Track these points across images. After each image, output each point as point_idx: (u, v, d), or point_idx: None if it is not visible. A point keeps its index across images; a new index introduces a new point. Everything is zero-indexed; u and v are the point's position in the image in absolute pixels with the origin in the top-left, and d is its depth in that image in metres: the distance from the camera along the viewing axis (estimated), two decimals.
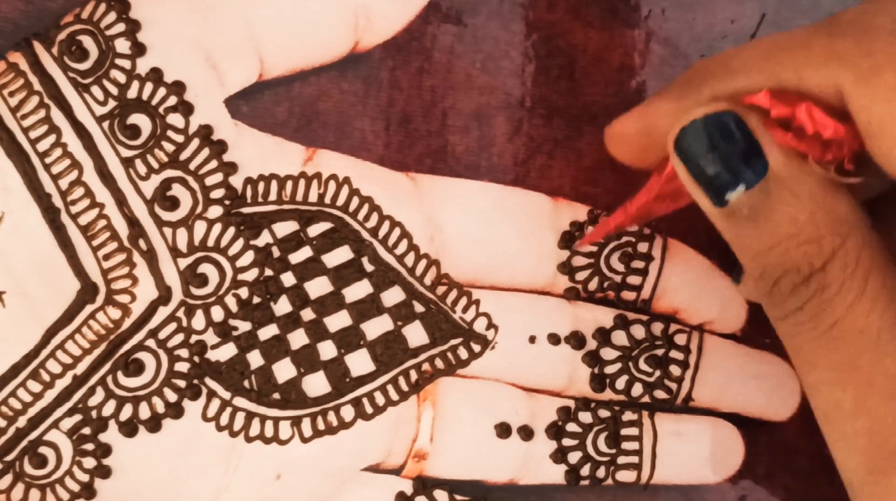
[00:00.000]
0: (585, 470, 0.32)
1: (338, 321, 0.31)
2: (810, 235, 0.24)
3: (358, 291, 0.31)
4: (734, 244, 0.25)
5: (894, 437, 0.23)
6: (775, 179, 0.24)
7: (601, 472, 0.32)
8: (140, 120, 0.30)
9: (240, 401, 0.31)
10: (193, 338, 0.30)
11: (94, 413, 0.30)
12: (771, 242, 0.24)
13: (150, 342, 0.30)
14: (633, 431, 0.32)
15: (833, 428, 0.25)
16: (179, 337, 0.30)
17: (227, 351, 0.31)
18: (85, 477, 0.30)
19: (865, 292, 0.23)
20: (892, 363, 0.23)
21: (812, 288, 0.24)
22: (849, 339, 0.24)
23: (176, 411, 0.30)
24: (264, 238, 0.31)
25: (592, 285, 0.32)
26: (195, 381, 0.30)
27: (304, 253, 0.31)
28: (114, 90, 0.30)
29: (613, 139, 0.29)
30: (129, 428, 0.30)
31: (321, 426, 0.31)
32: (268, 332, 0.31)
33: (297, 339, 0.31)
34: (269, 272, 0.31)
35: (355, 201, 0.31)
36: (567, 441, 0.31)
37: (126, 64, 0.30)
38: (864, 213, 0.24)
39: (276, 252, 0.31)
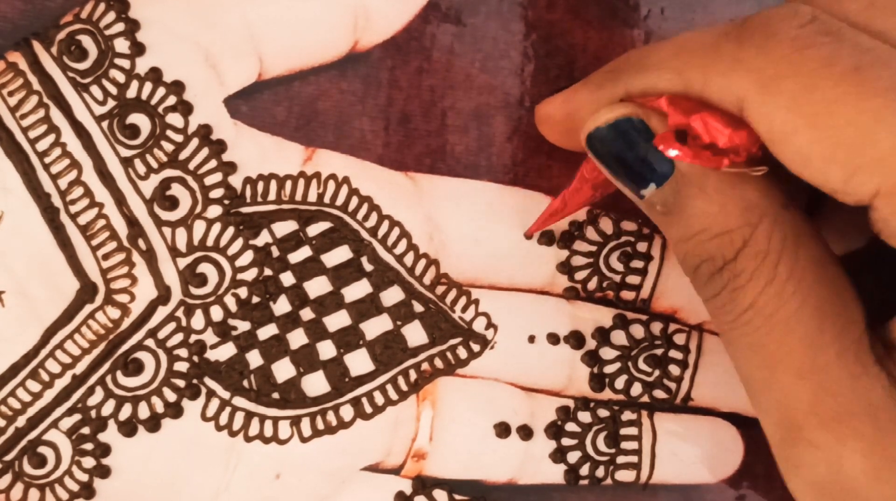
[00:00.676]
0: (585, 470, 0.32)
1: (337, 320, 0.31)
2: (721, 227, 0.25)
3: (357, 290, 0.31)
4: (660, 228, 0.26)
5: (799, 411, 0.24)
6: (682, 177, 0.25)
7: (600, 472, 0.32)
8: (139, 120, 0.30)
9: (239, 401, 0.31)
10: (193, 338, 0.30)
11: (93, 413, 0.30)
12: (686, 234, 0.25)
13: (150, 342, 0.30)
14: (633, 431, 0.32)
15: (753, 401, 0.26)
16: (179, 337, 0.30)
17: (227, 351, 0.31)
18: (84, 477, 0.30)
19: (775, 279, 0.24)
20: (798, 342, 0.24)
21: (725, 277, 0.25)
22: (758, 322, 0.24)
23: (175, 410, 0.30)
24: (263, 238, 0.31)
25: (592, 284, 0.32)
26: (194, 380, 0.30)
27: (304, 253, 0.31)
28: (113, 90, 0.30)
29: (541, 121, 0.30)
30: (128, 428, 0.30)
31: (320, 425, 0.31)
32: (267, 331, 0.31)
33: (297, 339, 0.31)
34: (268, 272, 0.31)
35: (354, 201, 0.31)
36: (566, 441, 0.31)
37: (125, 63, 0.30)
38: (779, 191, 0.25)
39: (275, 252, 0.31)
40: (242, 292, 0.31)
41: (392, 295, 0.31)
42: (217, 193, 0.30)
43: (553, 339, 0.31)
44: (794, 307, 0.24)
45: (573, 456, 0.32)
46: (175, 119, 0.30)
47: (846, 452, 0.24)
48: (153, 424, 0.30)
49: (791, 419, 0.25)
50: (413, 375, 0.31)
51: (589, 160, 0.28)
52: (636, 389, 0.32)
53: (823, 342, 0.24)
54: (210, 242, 0.30)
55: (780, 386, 0.25)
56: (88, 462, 0.30)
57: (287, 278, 0.31)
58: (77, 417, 0.30)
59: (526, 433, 0.31)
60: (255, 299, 0.31)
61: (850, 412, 0.24)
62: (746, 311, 0.25)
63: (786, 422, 0.25)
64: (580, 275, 0.32)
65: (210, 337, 0.31)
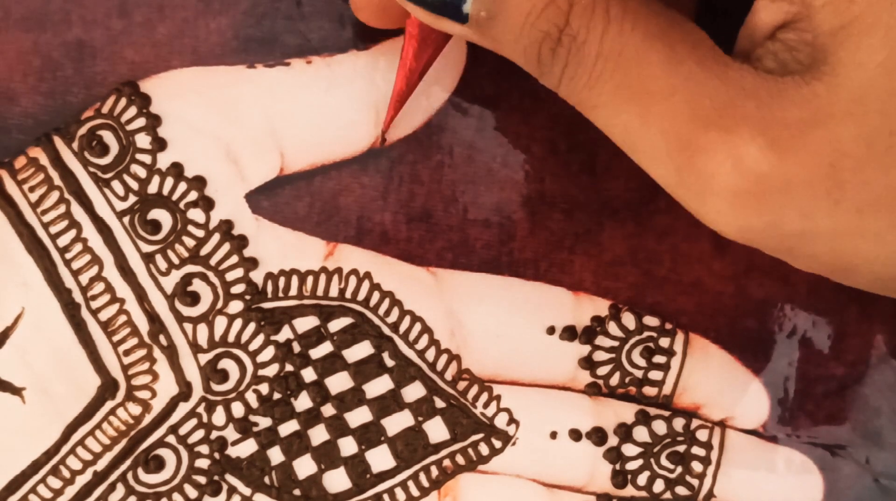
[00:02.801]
0: None
1: (358, 416, 0.31)
2: (544, 0, 0.24)
3: (378, 386, 0.31)
4: (499, 50, 0.26)
5: (681, 127, 0.24)
6: None
7: None
8: (160, 215, 0.30)
9: (260, 498, 0.30)
10: (214, 434, 0.30)
11: None
12: (518, 25, 0.25)
13: (171, 438, 0.30)
14: None
15: (637, 152, 0.25)
16: (200, 433, 0.30)
17: (248, 447, 0.31)
18: None
19: (611, 21, 0.24)
20: (656, 66, 0.24)
21: (566, 44, 0.25)
22: (612, 65, 0.24)
23: None
24: (285, 333, 0.31)
25: (614, 380, 0.32)
26: (216, 477, 0.30)
27: (325, 348, 0.31)
28: (134, 185, 0.30)
29: (358, 8, 0.29)
30: None
31: None
32: (288, 428, 0.31)
33: (318, 435, 0.31)
34: (289, 368, 0.31)
35: (376, 296, 0.31)
36: None
37: (147, 159, 0.30)
38: None
39: (296, 347, 0.31)
40: (264, 388, 0.30)
41: (413, 391, 0.31)
42: (238, 288, 0.30)
43: (575, 435, 0.31)
44: (640, 39, 0.24)
45: None
46: (196, 214, 0.30)
47: (739, 139, 0.23)
48: None
49: (678, 140, 0.24)
50: (434, 471, 0.31)
51: (410, 18, 0.28)
52: (658, 486, 0.32)
53: (680, 58, 0.24)
54: (231, 337, 0.30)
55: (656, 114, 0.24)
56: None
57: (308, 374, 0.31)
58: None
59: None
60: (277, 396, 0.31)
61: (728, 103, 0.24)
62: (597, 61, 0.24)
63: (675, 148, 0.24)
64: (602, 371, 0.32)
65: (231, 434, 0.30)
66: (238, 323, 0.30)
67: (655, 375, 0.32)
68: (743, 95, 0.24)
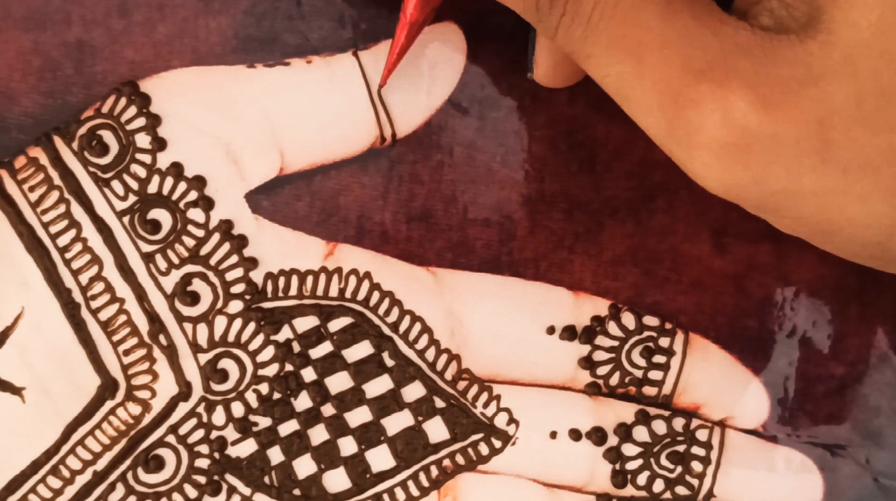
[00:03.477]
0: None
1: (358, 416, 0.31)
2: None
3: (378, 386, 0.31)
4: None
5: (673, 78, 0.24)
6: None
7: None
8: (160, 215, 0.30)
9: (260, 497, 0.30)
10: (214, 434, 0.30)
11: None
12: None
13: (171, 438, 0.30)
14: None
15: (630, 103, 0.25)
16: (200, 433, 0.30)
17: (248, 447, 0.31)
18: None
19: None
20: (652, 17, 0.24)
21: None
22: (609, 14, 0.24)
23: None
24: (285, 333, 0.31)
25: (614, 380, 0.32)
26: (215, 477, 0.30)
27: (325, 348, 0.31)
28: (134, 185, 0.30)
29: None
30: None
31: None
32: (288, 428, 0.31)
33: (318, 435, 0.31)
34: (289, 368, 0.31)
35: (376, 296, 0.31)
36: None
37: (146, 158, 0.30)
38: None
39: (296, 347, 0.31)
40: (263, 387, 0.30)
41: (413, 391, 0.31)
42: (238, 288, 0.30)
43: (575, 435, 0.31)
44: None
45: None
46: (196, 214, 0.30)
47: (729, 92, 0.24)
48: None
49: (669, 91, 0.24)
50: (434, 471, 0.31)
51: None
52: (658, 485, 0.32)
53: (676, 10, 0.24)
54: (231, 337, 0.30)
55: (650, 65, 0.24)
56: None
57: (308, 374, 0.31)
58: None
59: None
60: (277, 395, 0.30)
61: (721, 57, 0.24)
62: (594, 10, 0.24)
63: (666, 99, 0.24)
64: (602, 370, 0.32)
65: (231, 433, 0.30)
66: (238, 323, 0.30)
67: (655, 375, 0.32)
68: (736, 50, 0.24)
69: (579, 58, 0.26)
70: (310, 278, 0.31)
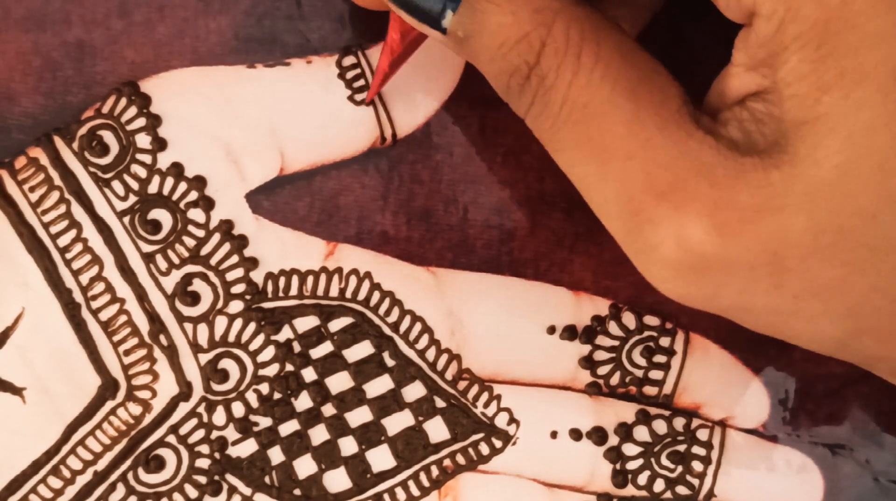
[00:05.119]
0: None
1: (359, 416, 0.31)
2: (518, 35, 0.24)
3: (379, 386, 0.31)
4: (476, 64, 0.26)
5: (635, 192, 0.24)
6: None
7: None
8: (161, 215, 0.30)
9: (260, 497, 0.30)
10: (214, 434, 0.30)
11: None
12: (490, 52, 0.25)
13: (171, 438, 0.30)
14: None
15: (593, 202, 0.26)
16: (200, 433, 0.30)
17: (248, 447, 0.31)
18: None
19: (580, 69, 0.24)
20: (619, 124, 0.24)
21: (534, 83, 0.25)
22: (577, 116, 0.24)
23: None
24: (285, 333, 0.31)
25: (614, 379, 0.32)
26: (216, 477, 0.30)
27: (325, 348, 0.31)
28: (134, 185, 0.30)
29: None
30: None
31: None
32: (288, 428, 0.31)
33: (318, 435, 0.31)
34: (289, 368, 0.31)
35: (376, 296, 0.31)
36: None
37: (147, 159, 0.30)
38: None
39: (296, 347, 0.31)
40: (264, 388, 0.31)
41: (414, 391, 0.31)
42: (238, 288, 0.30)
43: (575, 435, 0.31)
44: (607, 93, 0.24)
45: None
46: (196, 214, 0.30)
47: (686, 218, 0.24)
48: None
49: (630, 205, 0.24)
50: (435, 471, 0.31)
51: (394, 15, 0.28)
52: (659, 485, 0.32)
53: (643, 119, 0.24)
54: (231, 337, 0.30)
55: (613, 173, 0.24)
56: None
57: (308, 374, 0.31)
58: None
59: None
60: (277, 395, 0.31)
61: (682, 178, 0.24)
62: (562, 108, 0.24)
63: (626, 211, 0.24)
64: (602, 370, 0.32)
65: (231, 433, 0.30)
66: (238, 323, 0.30)
67: (656, 374, 0.32)
68: (699, 170, 0.24)
69: (546, 146, 0.26)
70: (310, 279, 0.31)
